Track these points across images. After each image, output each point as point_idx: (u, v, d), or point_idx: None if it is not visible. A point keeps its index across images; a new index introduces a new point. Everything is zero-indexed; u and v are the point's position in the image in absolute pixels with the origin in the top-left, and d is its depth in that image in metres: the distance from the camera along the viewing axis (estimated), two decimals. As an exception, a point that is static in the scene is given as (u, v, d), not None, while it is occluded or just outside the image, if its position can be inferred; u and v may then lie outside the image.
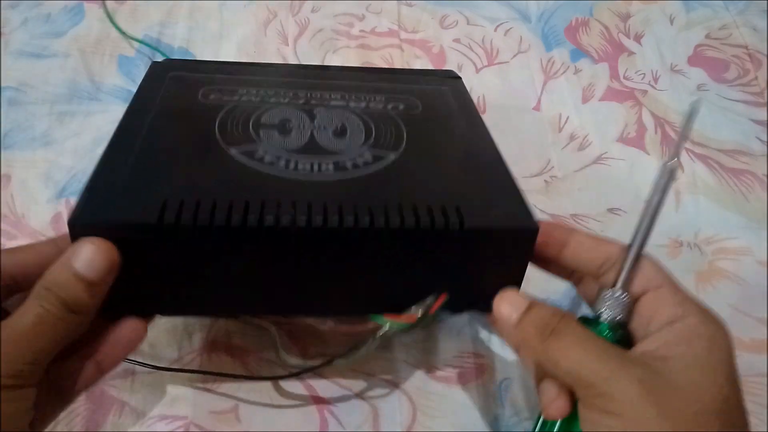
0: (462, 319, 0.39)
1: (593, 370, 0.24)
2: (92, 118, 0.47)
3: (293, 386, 0.36)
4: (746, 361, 0.38)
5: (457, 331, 0.38)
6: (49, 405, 0.26)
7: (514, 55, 0.53)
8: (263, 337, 0.36)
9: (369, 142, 0.32)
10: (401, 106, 0.36)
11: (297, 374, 0.34)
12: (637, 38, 0.55)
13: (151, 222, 0.24)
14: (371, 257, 0.27)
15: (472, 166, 0.31)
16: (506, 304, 0.27)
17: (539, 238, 0.28)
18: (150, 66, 0.38)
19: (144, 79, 0.36)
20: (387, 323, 0.29)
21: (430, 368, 0.37)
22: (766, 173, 0.47)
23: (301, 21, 0.53)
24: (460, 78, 0.41)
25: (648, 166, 0.47)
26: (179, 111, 0.33)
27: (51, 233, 0.41)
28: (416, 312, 0.29)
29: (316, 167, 0.29)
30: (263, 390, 0.35)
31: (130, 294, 0.26)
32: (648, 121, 0.50)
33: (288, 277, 0.27)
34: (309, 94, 0.36)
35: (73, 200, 0.43)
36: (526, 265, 0.29)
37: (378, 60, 0.51)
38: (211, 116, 0.32)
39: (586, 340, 0.25)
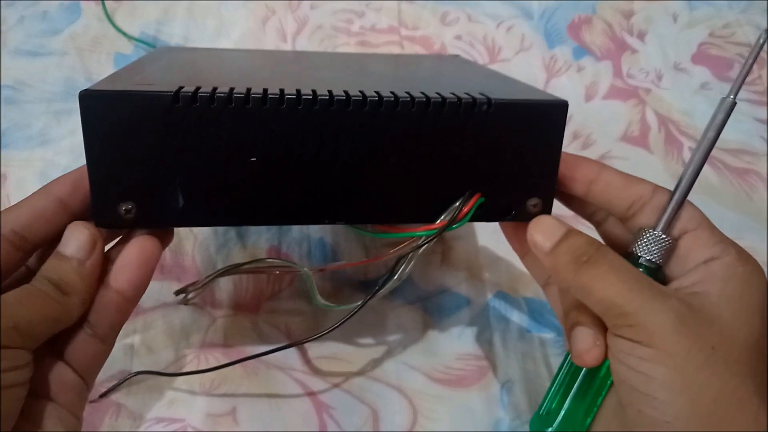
0: (463, 321, 0.38)
1: (628, 299, 0.24)
2: (89, 117, 0.46)
3: (292, 388, 0.35)
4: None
5: (458, 333, 0.38)
6: (96, 351, 0.26)
7: (516, 53, 0.52)
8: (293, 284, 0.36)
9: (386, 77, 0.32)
10: (410, 60, 0.37)
11: (330, 330, 0.30)
12: (641, 36, 0.54)
13: (168, 92, 0.23)
14: (395, 144, 0.25)
15: (489, 80, 0.31)
16: (540, 232, 0.26)
17: (567, 173, 0.28)
18: (152, 51, 0.39)
19: (144, 55, 0.37)
20: (418, 235, 0.27)
21: (430, 370, 0.36)
22: (769, 173, 0.47)
23: (300, 18, 0.52)
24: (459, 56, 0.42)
25: (651, 166, 0.47)
26: (190, 55, 0.34)
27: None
28: (448, 217, 0.27)
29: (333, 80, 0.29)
30: (262, 392, 0.35)
31: (145, 198, 0.24)
32: (651, 119, 0.49)
33: (310, 171, 0.25)
34: (318, 60, 0.37)
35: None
36: (560, 151, 0.27)
37: (378, 58, 0.51)
38: (219, 63, 0.33)
39: (622, 269, 0.25)
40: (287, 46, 0.51)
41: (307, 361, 0.36)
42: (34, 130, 0.45)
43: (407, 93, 0.25)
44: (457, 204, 0.27)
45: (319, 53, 0.43)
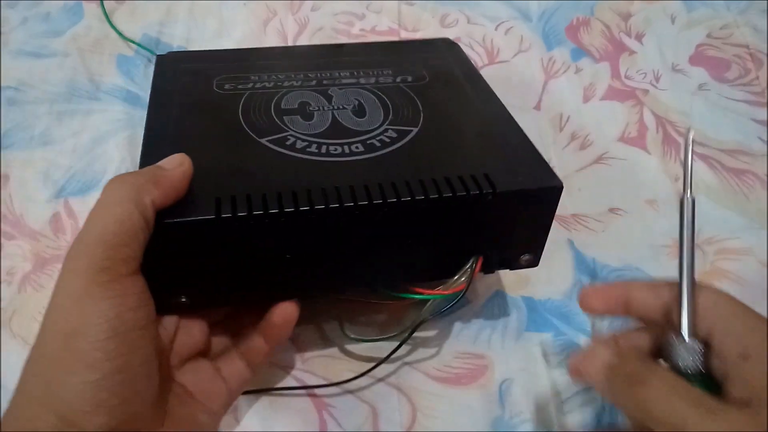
0: (462, 319, 0.39)
1: (686, 418, 0.23)
2: (91, 118, 0.47)
3: (292, 386, 0.35)
4: (747, 362, 0.38)
5: (457, 332, 0.38)
6: (243, 373, 0.31)
7: (515, 54, 0.52)
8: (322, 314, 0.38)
9: (389, 118, 0.33)
10: (410, 78, 0.37)
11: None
12: (639, 37, 0.54)
13: (209, 217, 0.26)
14: (414, 227, 0.29)
15: (489, 131, 0.33)
16: (586, 365, 0.27)
17: (602, 307, 0.29)
18: (156, 61, 0.38)
19: (155, 77, 0.36)
20: (436, 298, 0.31)
21: (429, 369, 0.37)
22: (766, 173, 0.47)
23: (300, 20, 0.52)
24: (456, 44, 0.42)
25: (649, 166, 0.47)
26: (201, 106, 0.34)
27: (49, 233, 0.41)
28: (461, 280, 0.31)
29: (347, 149, 0.31)
30: (262, 390, 0.35)
31: (196, 291, 0.29)
32: (649, 120, 0.50)
33: (342, 255, 0.29)
34: (319, 75, 0.37)
35: (72, 200, 0.42)
36: (552, 220, 0.31)
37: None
38: (232, 107, 0.33)
39: (676, 387, 0.24)
40: (288, 48, 0.51)
41: (307, 359, 0.36)
42: (36, 131, 0.45)
43: (421, 186, 0.28)
44: (468, 267, 0.31)
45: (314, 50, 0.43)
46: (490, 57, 0.52)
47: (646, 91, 0.51)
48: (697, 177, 0.47)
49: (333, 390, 0.35)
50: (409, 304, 0.34)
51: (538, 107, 0.50)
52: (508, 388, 0.36)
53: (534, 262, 0.33)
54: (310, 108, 0.33)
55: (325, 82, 0.36)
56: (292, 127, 0.32)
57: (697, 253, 0.42)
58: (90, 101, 0.47)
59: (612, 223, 0.44)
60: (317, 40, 0.52)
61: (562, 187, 0.29)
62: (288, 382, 0.35)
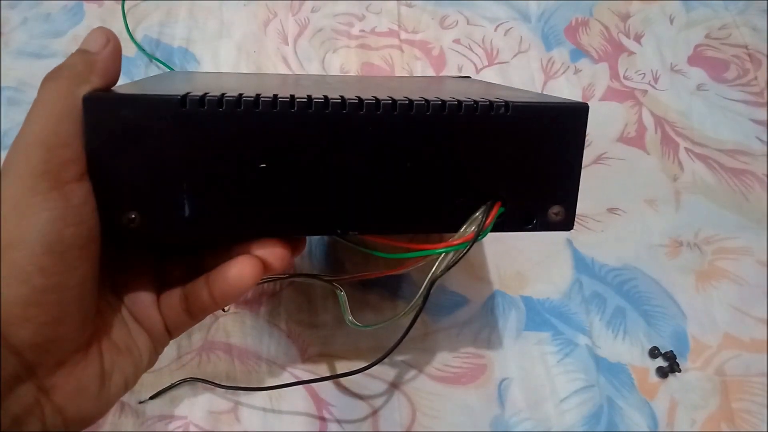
0: (461, 319, 0.39)
1: None
2: (92, 118, 0.47)
3: (292, 386, 0.35)
4: (746, 361, 0.38)
5: (457, 332, 0.38)
6: (183, 319, 0.27)
7: (514, 55, 0.53)
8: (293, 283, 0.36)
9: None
10: (422, 79, 0.36)
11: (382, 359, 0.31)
12: (637, 38, 0.54)
13: (176, 96, 0.22)
14: (409, 149, 0.24)
15: (509, 90, 0.30)
16: None
17: None
18: None
19: None
20: (442, 251, 0.26)
21: (429, 368, 0.37)
22: (766, 173, 0.47)
23: (301, 21, 0.53)
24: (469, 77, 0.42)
25: (648, 166, 0.47)
26: (196, 75, 0.33)
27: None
28: (470, 229, 0.25)
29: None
30: (262, 389, 0.35)
31: (150, 208, 0.24)
32: (648, 120, 0.50)
33: (322, 179, 0.24)
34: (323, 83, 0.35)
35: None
36: (581, 158, 0.26)
37: (378, 60, 0.51)
38: (228, 79, 0.32)
39: None
40: (288, 49, 0.51)
41: (308, 358, 0.37)
42: (37, 131, 0.45)
43: (421, 97, 0.24)
44: (479, 215, 0.25)
45: (330, 76, 0.42)
46: (489, 58, 0.52)
47: (644, 92, 0.51)
48: (696, 177, 0.47)
49: (334, 389, 0.35)
50: (408, 271, 0.30)
51: (537, 108, 0.50)
52: (507, 387, 0.36)
53: (567, 221, 0.26)
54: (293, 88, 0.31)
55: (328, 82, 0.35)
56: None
57: (696, 252, 0.43)
58: (90, 102, 0.47)
59: (611, 223, 0.44)
60: (317, 42, 0.52)
61: (587, 108, 0.25)
62: (288, 381, 0.36)
